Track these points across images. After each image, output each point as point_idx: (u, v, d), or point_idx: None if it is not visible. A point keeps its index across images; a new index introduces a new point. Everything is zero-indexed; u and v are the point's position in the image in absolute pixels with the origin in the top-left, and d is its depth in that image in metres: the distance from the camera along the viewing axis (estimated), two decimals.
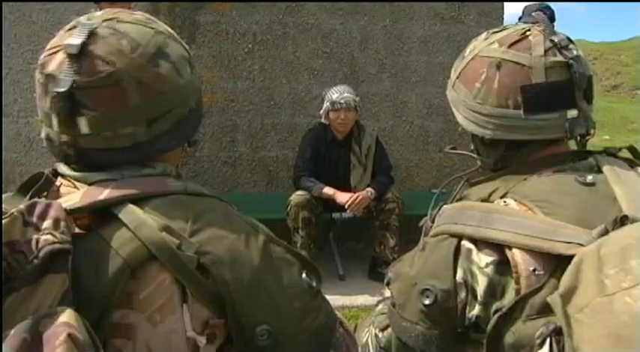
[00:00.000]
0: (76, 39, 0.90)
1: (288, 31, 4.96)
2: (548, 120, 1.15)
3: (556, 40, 1.17)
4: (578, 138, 1.22)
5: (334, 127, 4.27)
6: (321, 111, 4.27)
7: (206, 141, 4.87)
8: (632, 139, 10.52)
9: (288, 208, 4.11)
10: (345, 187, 4.20)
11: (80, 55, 0.90)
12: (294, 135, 4.93)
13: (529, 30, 1.20)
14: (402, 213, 4.17)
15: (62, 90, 0.89)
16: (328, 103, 4.18)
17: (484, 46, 1.21)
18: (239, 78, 4.92)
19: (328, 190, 4.13)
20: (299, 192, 4.15)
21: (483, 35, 1.26)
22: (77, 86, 0.89)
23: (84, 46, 0.90)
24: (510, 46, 1.17)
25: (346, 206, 4.05)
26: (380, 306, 1.42)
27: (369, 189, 4.16)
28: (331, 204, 4.15)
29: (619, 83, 16.54)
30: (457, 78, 1.26)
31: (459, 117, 1.26)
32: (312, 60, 5.00)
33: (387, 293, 1.36)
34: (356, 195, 4.08)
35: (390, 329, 1.22)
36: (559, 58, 1.15)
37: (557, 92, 1.15)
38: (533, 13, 2.00)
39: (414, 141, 5.20)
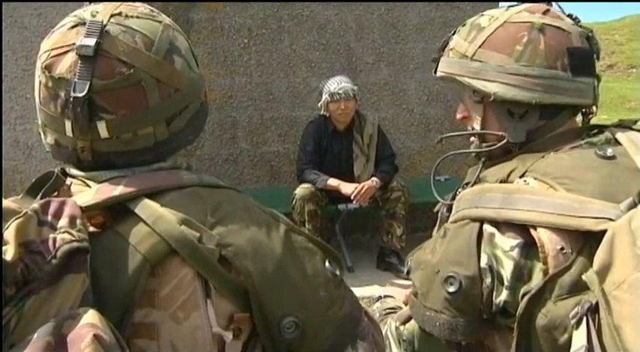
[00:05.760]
0: (88, 39, 0.86)
1: (283, 25, 4.93)
2: (587, 84, 1.16)
3: (573, 16, 1.20)
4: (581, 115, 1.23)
5: (335, 118, 4.24)
6: (320, 104, 4.24)
7: (206, 139, 4.84)
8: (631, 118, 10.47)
9: (294, 202, 4.09)
10: (348, 177, 4.18)
11: (94, 56, 0.85)
12: (294, 128, 4.91)
13: (547, 4, 1.21)
14: (408, 201, 4.17)
15: (80, 94, 0.84)
16: (327, 95, 4.15)
17: (510, 14, 1.19)
18: (236, 74, 4.89)
19: (333, 182, 4.12)
20: (303, 185, 4.14)
21: (496, 10, 1.23)
22: (95, 89, 0.85)
23: (97, 46, 0.86)
24: (543, 14, 1.18)
25: (352, 197, 4.04)
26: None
27: (374, 178, 4.14)
28: (336, 196, 4.14)
29: (614, 62, 16.47)
30: (480, 47, 1.18)
31: (492, 86, 1.16)
32: (308, 52, 4.97)
33: (398, 282, 1.33)
34: (361, 185, 4.06)
35: (412, 322, 1.19)
36: (582, 29, 1.18)
37: (590, 58, 1.17)
38: None
39: (415, 128, 5.18)
